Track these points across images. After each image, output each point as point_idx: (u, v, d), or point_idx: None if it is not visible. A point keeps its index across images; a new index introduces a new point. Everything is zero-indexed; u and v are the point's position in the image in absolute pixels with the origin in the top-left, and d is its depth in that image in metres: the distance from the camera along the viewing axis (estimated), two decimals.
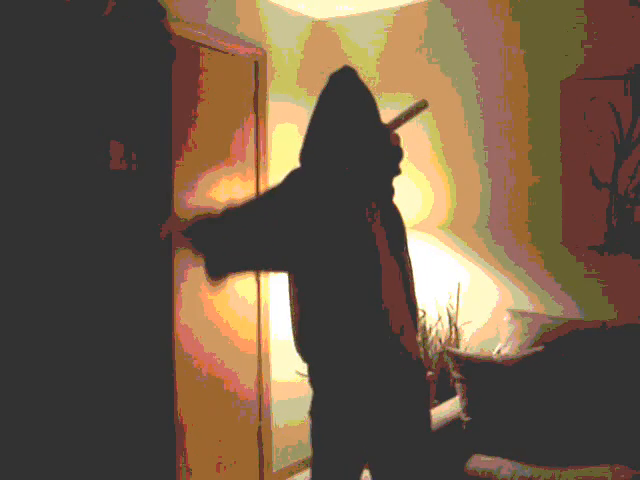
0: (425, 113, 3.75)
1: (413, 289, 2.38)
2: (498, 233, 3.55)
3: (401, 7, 3.85)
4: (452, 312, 3.60)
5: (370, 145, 2.31)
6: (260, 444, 3.67)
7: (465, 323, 3.61)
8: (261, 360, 3.66)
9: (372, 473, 2.25)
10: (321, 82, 2.39)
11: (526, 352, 2.99)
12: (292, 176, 2.25)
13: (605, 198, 3.24)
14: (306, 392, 2.41)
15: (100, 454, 2.45)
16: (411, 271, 2.40)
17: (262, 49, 3.71)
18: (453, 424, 2.93)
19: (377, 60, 3.94)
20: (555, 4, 3.38)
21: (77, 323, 2.39)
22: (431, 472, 2.25)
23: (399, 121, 2.41)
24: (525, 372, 2.90)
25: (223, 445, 3.45)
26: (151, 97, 2.63)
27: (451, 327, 3.57)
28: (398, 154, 2.39)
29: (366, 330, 2.19)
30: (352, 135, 2.29)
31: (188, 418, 3.24)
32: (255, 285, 3.63)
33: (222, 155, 3.46)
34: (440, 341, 3.59)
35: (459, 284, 3.61)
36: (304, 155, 2.35)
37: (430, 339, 3.61)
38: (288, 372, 3.76)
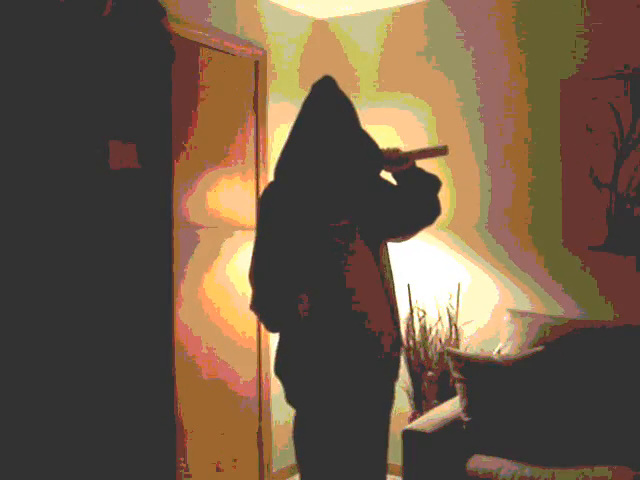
0: (424, 113, 3.78)
1: (394, 295, 2.48)
2: (498, 233, 3.55)
3: (401, 7, 3.85)
4: (452, 312, 3.60)
5: (348, 154, 2.36)
6: (260, 444, 3.67)
7: (465, 323, 3.61)
8: (261, 358, 3.67)
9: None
10: None
11: (526, 352, 2.99)
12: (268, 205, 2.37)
13: (605, 198, 3.24)
14: None
15: (100, 454, 2.45)
16: (391, 276, 2.48)
17: (262, 49, 3.71)
18: (453, 424, 2.93)
19: (377, 60, 3.94)
20: (556, 3, 3.38)
21: (77, 323, 2.39)
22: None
23: (413, 155, 2.46)
24: (525, 372, 2.90)
25: (223, 445, 3.45)
26: (151, 97, 2.63)
27: (451, 327, 3.57)
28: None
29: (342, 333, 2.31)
30: (331, 144, 2.34)
31: (188, 418, 3.24)
32: None
33: (222, 155, 3.46)
34: (440, 341, 3.59)
35: (459, 284, 3.61)
36: (282, 168, 2.43)
37: (430, 339, 3.61)
38: None
